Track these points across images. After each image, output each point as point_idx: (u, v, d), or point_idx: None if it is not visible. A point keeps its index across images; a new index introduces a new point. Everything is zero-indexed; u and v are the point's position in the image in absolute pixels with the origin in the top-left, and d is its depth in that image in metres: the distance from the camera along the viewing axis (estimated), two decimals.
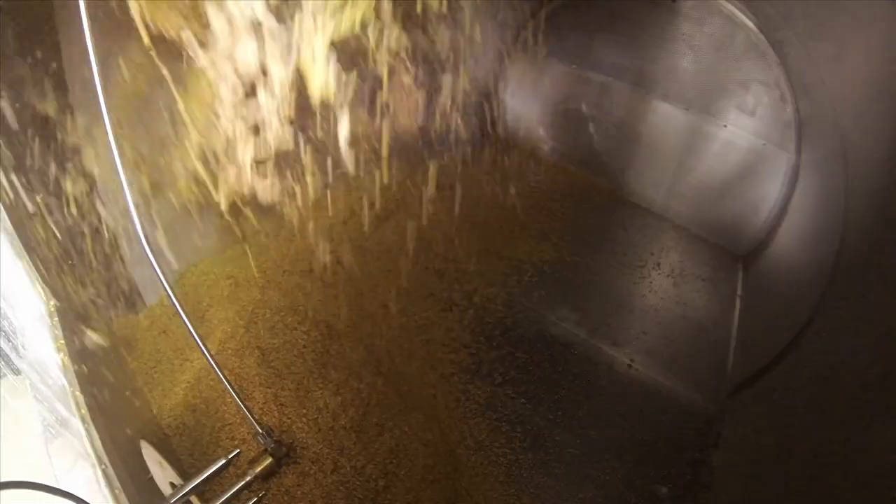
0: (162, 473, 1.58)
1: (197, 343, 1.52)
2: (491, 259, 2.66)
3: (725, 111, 2.69)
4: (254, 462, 1.73)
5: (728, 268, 2.79)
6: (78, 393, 1.28)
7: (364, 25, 1.88)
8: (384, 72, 2.30)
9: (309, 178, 2.30)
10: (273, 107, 1.88)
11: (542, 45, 3.10)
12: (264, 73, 1.78)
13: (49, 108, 1.67)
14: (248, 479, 1.65)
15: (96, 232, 1.95)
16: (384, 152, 2.68)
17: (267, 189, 2.20)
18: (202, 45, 1.65)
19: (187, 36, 1.61)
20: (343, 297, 2.37)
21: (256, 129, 1.95)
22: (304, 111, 1.96)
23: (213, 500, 1.56)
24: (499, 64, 3.21)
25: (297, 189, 2.30)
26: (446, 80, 2.72)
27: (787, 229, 2.59)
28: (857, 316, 1.73)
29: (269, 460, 1.74)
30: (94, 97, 1.24)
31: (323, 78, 1.85)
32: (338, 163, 2.31)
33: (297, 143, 2.11)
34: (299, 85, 1.85)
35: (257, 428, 1.68)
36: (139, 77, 1.75)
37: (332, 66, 1.84)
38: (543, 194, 3.07)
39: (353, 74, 2.06)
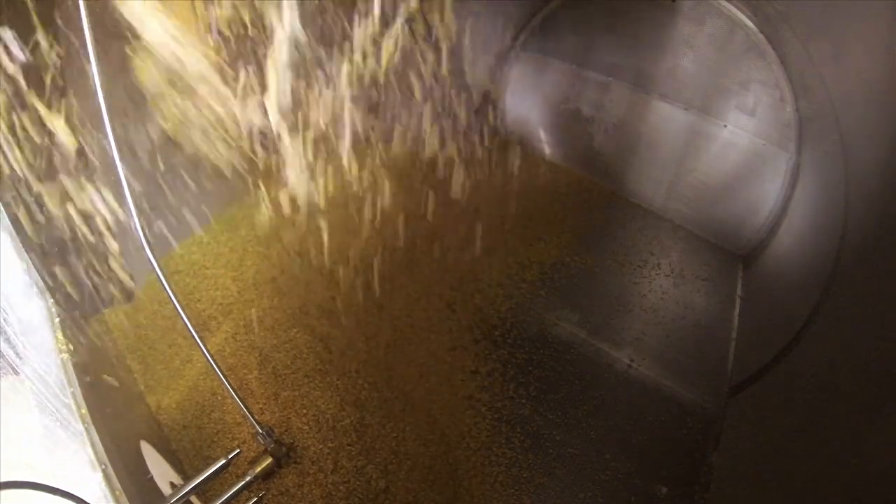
0: (162, 473, 1.58)
1: (196, 343, 1.52)
2: (491, 260, 2.66)
3: (725, 111, 2.69)
4: (254, 462, 1.73)
5: (728, 268, 2.79)
6: (78, 393, 1.28)
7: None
8: (385, 74, 2.30)
9: (310, 179, 2.30)
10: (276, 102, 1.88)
11: (542, 45, 3.09)
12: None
13: (48, 103, 1.67)
14: (248, 479, 1.65)
15: (95, 230, 1.95)
16: (385, 153, 2.68)
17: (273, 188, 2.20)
18: None
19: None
20: (344, 298, 2.36)
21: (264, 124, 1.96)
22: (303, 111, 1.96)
23: (213, 500, 1.56)
24: (499, 64, 3.21)
25: (298, 190, 2.30)
26: (446, 80, 2.72)
27: (787, 229, 2.59)
28: (857, 316, 1.73)
29: (269, 460, 1.74)
30: (93, 93, 1.24)
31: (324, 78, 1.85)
32: (339, 163, 2.31)
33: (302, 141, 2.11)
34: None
35: (257, 428, 1.68)
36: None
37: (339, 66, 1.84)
38: (543, 194, 3.07)
39: (355, 76, 2.06)
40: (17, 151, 1.56)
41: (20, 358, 1.17)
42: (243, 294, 2.33)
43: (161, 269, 1.44)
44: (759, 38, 2.48)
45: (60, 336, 1.35)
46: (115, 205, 1.98)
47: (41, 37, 1.57)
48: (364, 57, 2.14)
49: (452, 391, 2.15)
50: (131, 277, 2.19)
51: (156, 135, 2.08)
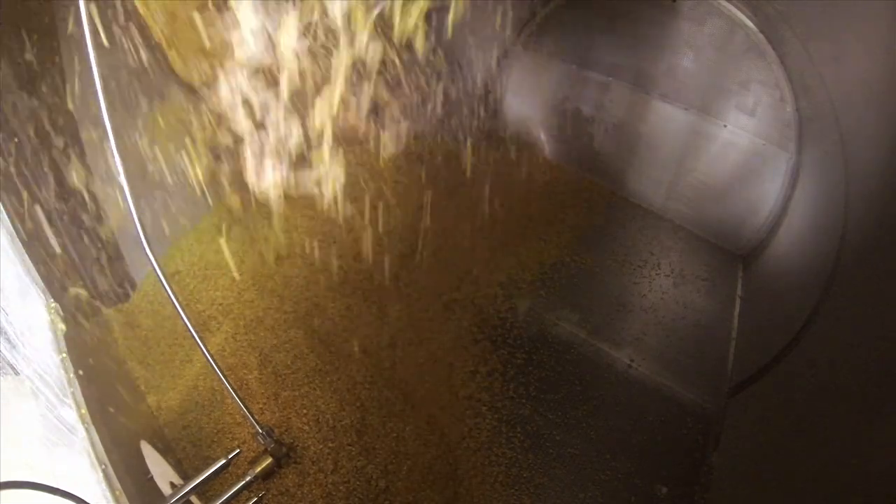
0: (162, 473, 1.58)
1: (197, 343, 1.52)
2: (491, 260, 2.66)
3: (725, 111, 2.69)
4: (254, 462, 1.73)
5: (728, 268, 2.79)
6: (78, 393, 1.28)
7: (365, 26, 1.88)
8: (386, 74, 2.30)
9: (309, 181, 2.30)
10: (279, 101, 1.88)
11: (542, 45, 3.09)
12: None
13: (48, 106, 1.67)
14: (248, 479, 1.65)
15: (95, 230, 1.95)
16: (385, 154, 2.68)
17: (273, 189, 2.20)
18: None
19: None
20: (344, 299, 2.36)
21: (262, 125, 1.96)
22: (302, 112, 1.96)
23: (213, 500, 1.56)
24: (499, 64, 3.21)
25: (297, 191, 2.31)
26: (447, 80, 2.72)
27: (787, 229, 2.59)
28: (857, 316, 1.73)
29: (269, 460, 1.74)
30: (94, 95, 1.24)
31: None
32: (339, 163, 2.31)
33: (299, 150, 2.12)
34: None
35: (257, 428, 1.68)
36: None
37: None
38: (543, 194, 3.07)
39: (355, 75, 2.06)
40: (16, 150, 1.56)
41: (20, 358, 1.17)
42: (243, 294, 2.33)
43: (161, 270, 1.44)
44: (759, 38, 2.48)
45: (60, 336, 1.35)
46: (115, 205, 1.98)
47: (41, 38, 1.57)
48: (363, 56, 2.14)
49: (452, 391, 2.15)
50: (131, 278, 2.19)
51: (156, 136, 2.08)
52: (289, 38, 1.73)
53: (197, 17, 1.66)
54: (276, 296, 2.35)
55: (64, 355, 1.32)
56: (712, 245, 2.90)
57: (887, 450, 1.30)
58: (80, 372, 1.34)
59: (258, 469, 1.70)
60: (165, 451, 1.79)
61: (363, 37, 1.86)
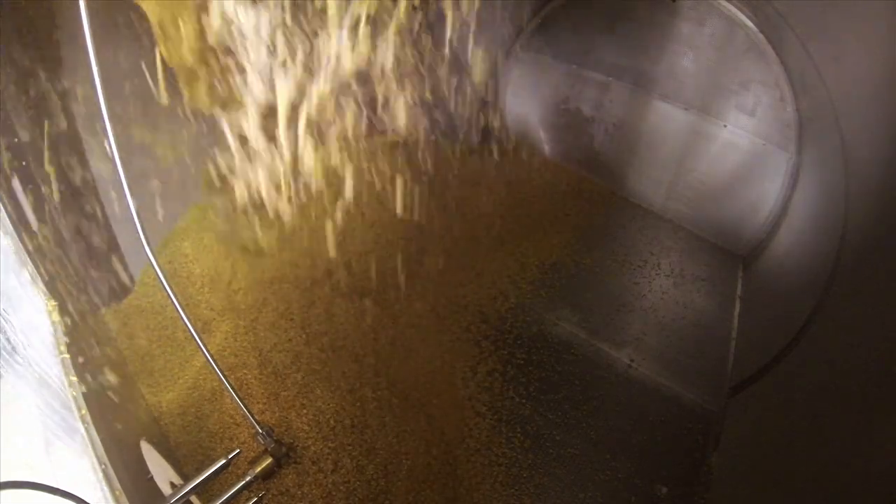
0: (162, 473, 1.58)
1: (196, 343, 1.52)
2: (491, 260, 2.66)
3: (725, 111, 2.69)
4: (254, 462, 1.73)
5: (728, 268, 2.79)
6: (78, 393, 1.28)
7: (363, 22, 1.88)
8: (385, 72, 2.30)
9: (308, 180, 2.29)
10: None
11: (543, 45, 3.09)
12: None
13: (48, 105, 1.67)
14: (248, 479, 1.65)
15: (95, 230, 1.95)
16: (384, 154, 2.68)
17: (270, 188, 2.20)
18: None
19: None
20: (343, 298, 2.36)
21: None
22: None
23: (213, 500, 1.56)
24: (499, 64, 3.21)
25: (298, 190, 2.30)
26: (446, 80, 2.72)
27: (787, 229, 2.59)
28: (857, 316, 1.73)
29: (269, 460, 1.73)
30: (94, 93, 1.24)
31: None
32: (338, 163, 2.31)
33: (297, 149, 2.11)
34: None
35: (257, 428, 1.68)
36: None
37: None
38: (543, 195, 3.07)
39: (352, 73, 2.06)
40: (14, 149, 1.56)
41: (20, 358, 1.17)
42: (243, 294, 2.33)
43: (161, 270, 1.44)
44: (759, 38, 2.48)
45: (60, 336, 1.35)
46: (115, 205, 1.98)
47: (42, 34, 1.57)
48: (362, 52, 2.14)
49: (452, 391, 2.15)
50: (131, 278, 2.19)
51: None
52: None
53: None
54: (276, 296, 2.34)
55: (64, 355, 1.32)
56: (712, 245, 2.90)
57: (887, 450, 1.30)
58: (80, 372, 1.34)
59: (258, 469, 1.70)
60: (165, 451, 1.79)
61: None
